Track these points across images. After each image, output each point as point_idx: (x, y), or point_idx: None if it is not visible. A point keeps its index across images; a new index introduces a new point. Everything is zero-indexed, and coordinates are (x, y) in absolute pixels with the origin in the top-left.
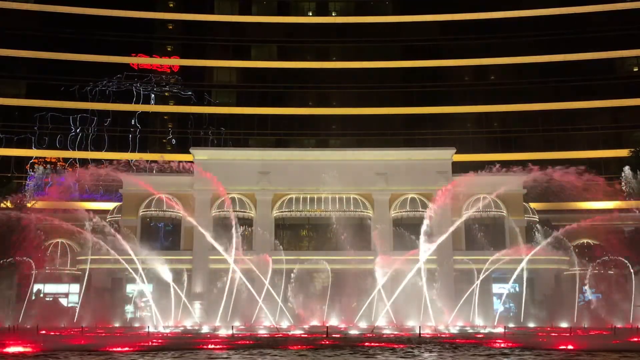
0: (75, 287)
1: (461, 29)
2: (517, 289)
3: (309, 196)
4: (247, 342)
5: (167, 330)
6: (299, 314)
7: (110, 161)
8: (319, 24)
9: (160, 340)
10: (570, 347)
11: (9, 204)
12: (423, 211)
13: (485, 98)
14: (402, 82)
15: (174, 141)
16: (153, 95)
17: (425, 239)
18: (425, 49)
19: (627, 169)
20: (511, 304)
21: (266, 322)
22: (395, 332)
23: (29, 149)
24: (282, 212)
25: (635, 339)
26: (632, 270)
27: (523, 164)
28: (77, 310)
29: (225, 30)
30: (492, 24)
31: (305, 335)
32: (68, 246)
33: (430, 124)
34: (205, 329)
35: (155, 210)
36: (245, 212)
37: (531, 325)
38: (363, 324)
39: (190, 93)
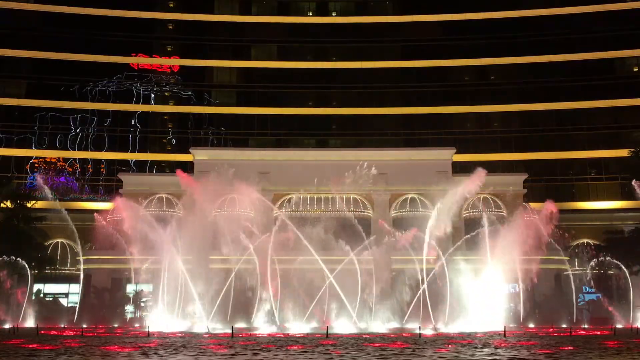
0: (75, 287)
1: (461, 29)
2: (517, 289)
3: (308, 196)
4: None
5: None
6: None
7: (111, 161)
8: (319, 24)
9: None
10: None
11: (9, 204)
12: (423, 211)
13: (485, 98)
14: (402, 82)
15: (174, 141)
16: (153, 95)
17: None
18: (425, 49)
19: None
20: (511, 304)
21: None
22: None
23: (29, 149)
24: (282, 212)
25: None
26: (632, 270)
27: (523, 164)
28: (77, 311)
29: (225, 30)
30: (492, 24)
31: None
32: (68, 246)
33: (430, 124)
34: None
35: (156, 210)
36: (245, 212)
37: (531, 325)
38: (364, 324)
39: (190, 93)
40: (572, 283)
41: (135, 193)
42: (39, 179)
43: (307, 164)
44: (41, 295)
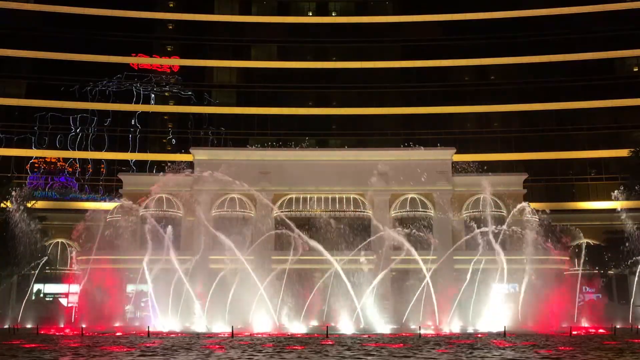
0: (75, 287)
1: (461, 29)
2: (517, 289)
3: (309, 196)
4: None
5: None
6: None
7: (111, 161)
8: (319, 24)
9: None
10: None
11: (9, 204)
12: (423, 211)
13: (485, 98)
14: (402, 82)
15: (174, 141)
16: (153, 95)
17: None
18: (425, 49)
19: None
20: (511, 304)
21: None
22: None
23: (29, 149)
24: (282, 212)
25: None
26: (632, 270)
27: (523, 164)
28: (77, 311)
29: (225, 30)
30: (492, 24)
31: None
32: (68, 246)
33: (430, 124)
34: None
35: (156, 210)
36: (245, 212)
37: (530, 325)
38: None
39: (190, 93)
40: (572, 283)
41: (135, 193)
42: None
43: (307, 164)
44: (41, 295)
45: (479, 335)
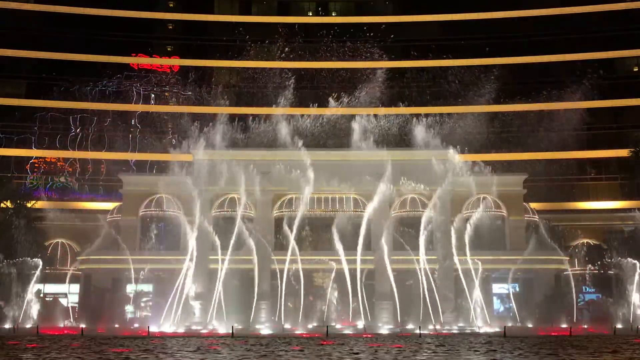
0: (75, 287)
1: (461, 29)
2: (517, 289)
3: (308, 196)
4: None
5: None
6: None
7: (111, 161)
8: (319, 24)
9: None
10: None
11: (9, 204)
12: (423, 211)
13: (485, 98)
14: (402, 82)
15: (174, 141)
16: (153, 95)
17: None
18: (425, 49)
19: None
20: (511, 304)
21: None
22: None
23: (29, 149)
24: (282, 212)
25: None
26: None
27: (523, 164)
28: (77, 311)
29: (225, 30)
30: (492, 24)
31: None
32: (68, 246)
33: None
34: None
35: (156, 210)
36: (245, 212)
37: (530, 325)
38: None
39: (190, 93)
40: (572, 283)
41: (136, 193)
42: None
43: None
44: (41, 295)
45: (479, 335)
